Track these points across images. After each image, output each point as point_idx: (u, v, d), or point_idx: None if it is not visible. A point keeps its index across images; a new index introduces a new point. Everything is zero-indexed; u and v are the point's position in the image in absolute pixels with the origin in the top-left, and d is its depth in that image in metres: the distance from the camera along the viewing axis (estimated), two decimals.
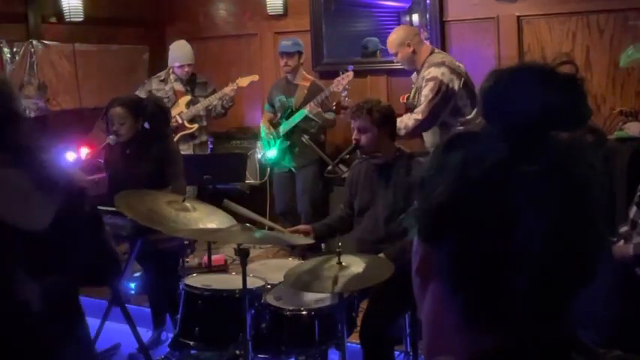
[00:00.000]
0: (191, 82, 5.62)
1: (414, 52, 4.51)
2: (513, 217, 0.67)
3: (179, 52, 5.57)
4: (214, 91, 5.60)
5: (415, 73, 4.62)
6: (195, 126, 5.55)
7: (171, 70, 5.60)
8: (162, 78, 5.62)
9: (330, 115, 5.32)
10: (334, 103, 5.18)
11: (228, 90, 5.50)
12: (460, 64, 4.46)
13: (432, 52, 4.53)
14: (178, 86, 5.56)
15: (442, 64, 4.36)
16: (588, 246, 0.70)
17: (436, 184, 0.72)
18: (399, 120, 4.31)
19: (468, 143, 0.73)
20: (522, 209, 0.67)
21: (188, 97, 5.55)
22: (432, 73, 4.33)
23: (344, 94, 5.14)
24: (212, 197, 4.43)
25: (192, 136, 5.56)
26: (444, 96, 4.28)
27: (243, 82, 5.58)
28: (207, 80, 5.71)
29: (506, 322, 0.70)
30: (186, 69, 5.53)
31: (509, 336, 0.70)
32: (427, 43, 4.77)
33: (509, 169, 0.68)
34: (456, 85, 4.31)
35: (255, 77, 5.65)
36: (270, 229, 3.81)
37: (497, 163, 0.69)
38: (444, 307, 0.74)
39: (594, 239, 0.71)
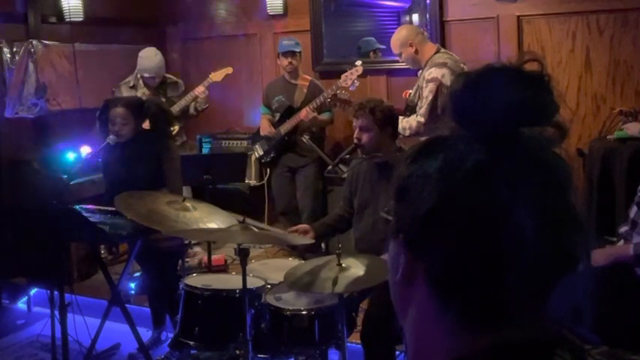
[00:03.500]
0: (162, 84, 5.50)
1: (416, 51, 4.48)
2: (503, 214, 0.68)
3: (149, 63, 5.40)
4: (186, 90, 5.50)
5: (420, 71, 4.60)
6: (177, 127, 5.39)
7: (139, 75, 5.47)
8: (131, 84, 5.48)
9: (325, 116, 5.35)
10: (329, 98, 5.14)
11: (200, 90, 5.36)
12: (465, 66, 4.43)
13: (437, 52, 4.49)
14: (149, 91, 5.42)
15: (444, 65, 4.32)
16: (572, 236, 0.71)
17: (419, 190, 0.72)
18: (405, 120, 4.31)
19: (444, 148, 0.73)
20: (510, 206, 0.68)
21: (162, 100, 5.46)
22: (433, 74, 4.31)
23: (352, 88, 5.13)
24: (211, 197, 4.43)
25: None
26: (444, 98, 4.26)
27: (217, 76, 5.46)
28: (177, 79, 5.61)
29: (500, 321, 0.70)
30: (156, 79, 5.42)
31: (501, 333, 0.70)
32: (431, 42, 4.74)
33: (491, 168, 0.69)
34: None
35: (229, 70, 5.52)
36: None
37: (479, 163, 0.69)
38: (434, 315, 0.73)
39: (576, 228, 0.72)
